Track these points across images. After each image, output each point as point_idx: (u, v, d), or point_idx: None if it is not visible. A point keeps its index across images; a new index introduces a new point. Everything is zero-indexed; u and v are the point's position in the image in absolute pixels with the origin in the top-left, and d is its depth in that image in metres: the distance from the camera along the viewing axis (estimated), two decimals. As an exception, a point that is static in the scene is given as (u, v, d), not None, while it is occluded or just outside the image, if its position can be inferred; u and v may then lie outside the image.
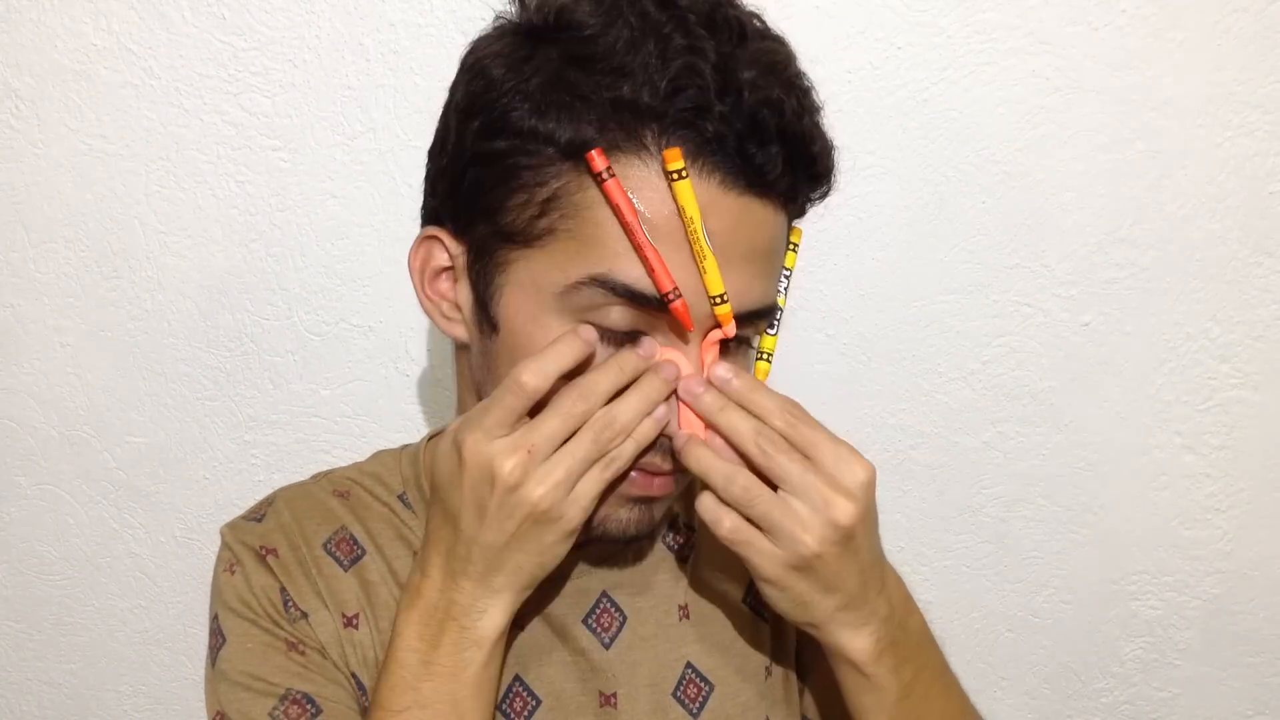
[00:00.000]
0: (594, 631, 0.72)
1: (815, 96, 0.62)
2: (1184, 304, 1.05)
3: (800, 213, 0.65)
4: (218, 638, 0.70)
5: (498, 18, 0.64)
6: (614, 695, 0.71)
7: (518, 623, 0.66)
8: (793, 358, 1.05)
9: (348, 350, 1.06)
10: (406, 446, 0.79)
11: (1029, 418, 1.09)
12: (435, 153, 0.66)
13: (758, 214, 0.60)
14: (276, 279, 1.04)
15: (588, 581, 0.72)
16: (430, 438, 0.78)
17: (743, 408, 0.60)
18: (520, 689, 0.70)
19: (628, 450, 0.59)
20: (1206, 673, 1.17)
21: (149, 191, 1.01)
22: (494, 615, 0.60)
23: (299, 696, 0.66)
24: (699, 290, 0.59)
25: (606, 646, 0.72)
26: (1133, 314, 1.06)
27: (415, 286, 0.67)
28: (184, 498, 1.10)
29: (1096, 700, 1.18)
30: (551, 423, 0.57)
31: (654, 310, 0.59)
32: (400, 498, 0.75)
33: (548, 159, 0.58)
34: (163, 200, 1.02)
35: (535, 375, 0.57)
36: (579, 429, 0.58)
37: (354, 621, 0.70)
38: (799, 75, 0.61)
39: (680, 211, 0.57)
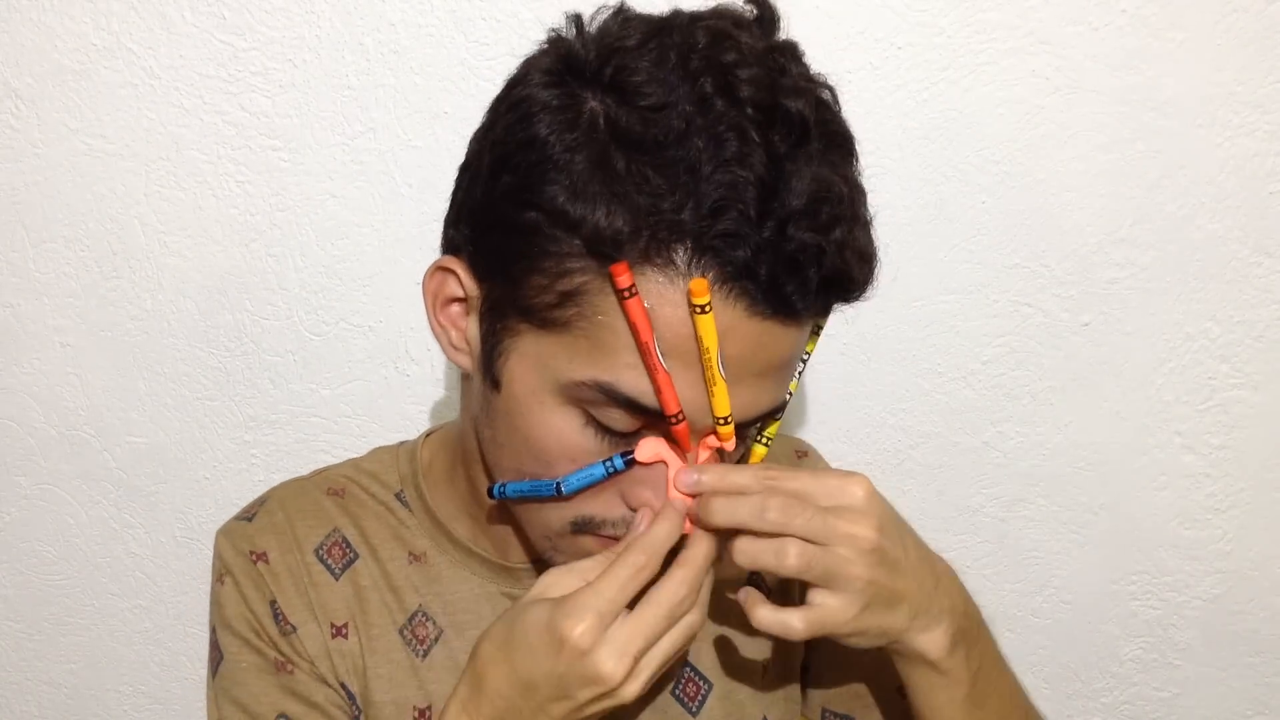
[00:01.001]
0: None
1: (865, 209, 0.59)
2: (1184, 304, 1.05)
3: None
4: (216, 652, 0.72)
5: (552, 32, 0.61)
6: None
7: None
8: (793, 358, 1.05)
9: (348, 350, 1.06)
10: (404, 443, 0.79)
11: (1029, 418, 1.09)
12: (465, 180, 0.64)
13: (778, 336, 0.58)
14: (276, 279, 1.04)
15: None
16: (428, 435, 0.78)
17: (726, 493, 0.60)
18: None
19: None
20: (1206, 673, 1.17)
21: (149, 191, 1.01)
22: None
23: None
24: (703, 407, 0.58)
25: None
26: (1133, 314, 1.05)
27: (426, 310, 0.66)
28: (184, 498, 1.10)
29: (1096, 700, 1.18)
30: (655, 624, 0.58)
31: (654, 420, 0.59)
32: (398, 496, 0.75)
33: (573, 250, 0.56)
34: (163, 200, 1.02)
35: (681, 592, 0.59)
36: (670, 625, 0.59)
37: (343, 631, 0.71)
38: (853, 191, 0.58)
39: (697, 340, 0.56)
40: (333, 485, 0.76)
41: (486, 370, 0.62)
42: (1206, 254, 1.04)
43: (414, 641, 0.72)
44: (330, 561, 0.73)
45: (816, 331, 0.64)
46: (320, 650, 0.71)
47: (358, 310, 1.04)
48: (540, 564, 0.71)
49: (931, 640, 0.62)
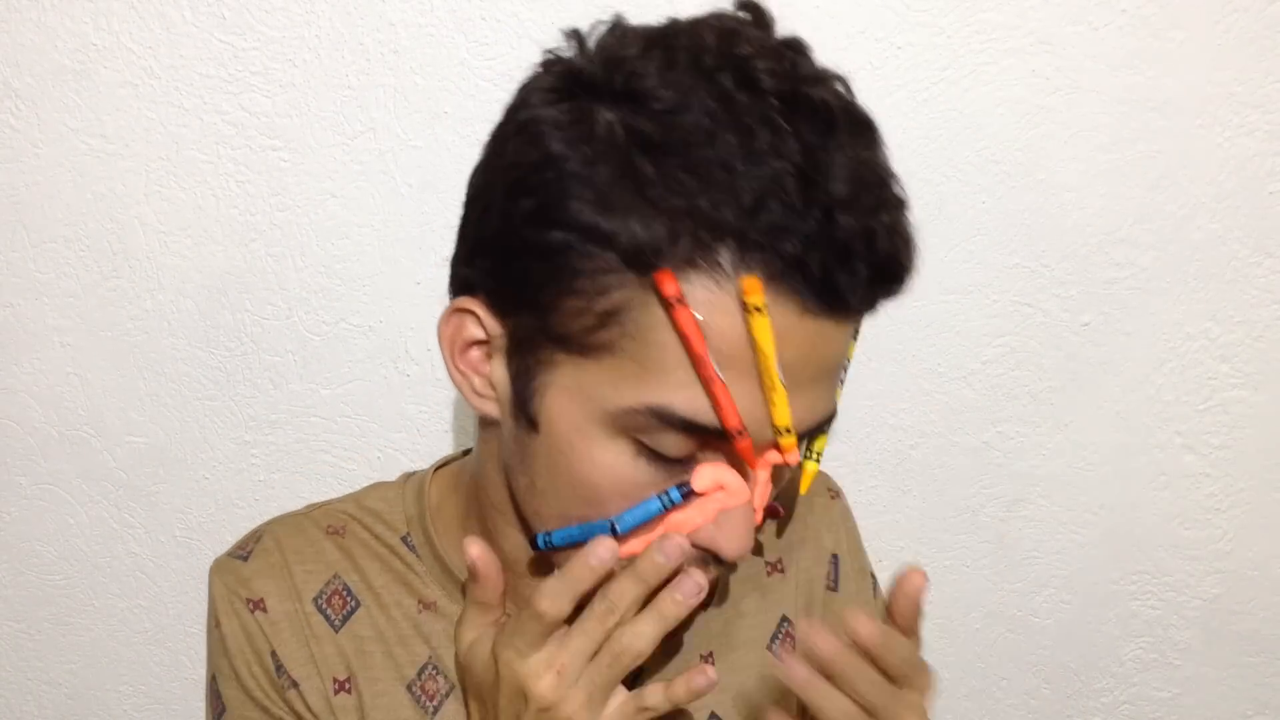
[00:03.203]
0: None
1: (902, 192, 0.56)
2: (1184, 304, 1.05)
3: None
4: (217, 703, 0.69)
5: (547, 54, 0.58)
6: None
7: None
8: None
9: (348, 350, 1.06)
10: (410, 477, 0.74)
11: (1029, 418, 1.09)
12: (474, 215, 0.59)
13: (831, 334, 0.55)
14: (276, 279, 1.04)
15: None
16: (437, 469, 0.74)
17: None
18: None
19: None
20: (1206, 673, 1.17)
21: (149, 191, 1.01)
22: None
23: None
24: (763, 419, 0.54)
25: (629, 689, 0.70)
26: (1133, 314, 1.06)
27: (444, 356, 0.61)
28: (184, 498, 1.10)
29: (1096, 700, 1.18)
30: (580, 643, 0.57)
31: (713, 439, 0.55)
32: (404, 540, 0.71)
33: (609, 265, 0.52)
34: (163, 200, 1.02)
35: (554, 604, 0.56)
36: (604, 644, 0.57)
37: (345, 686, 0.68)
38: (889, 175, 0.56)
39: (754, 345, 0.52)
40: (332, 523, 0.71)
41: (520, 412, 0.58)
42: (1206, 254, 1.04)
43: (423, 697, 0.68)
44: (330, 612, 0.69)
45: (854, 334, 0.62)
46: (322, 706, 0.67)
47: (358, 310, 1.04)
48: None
49: None
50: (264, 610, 0.68)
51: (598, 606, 0.56)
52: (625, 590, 0.56)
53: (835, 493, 0.81)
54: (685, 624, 0.71)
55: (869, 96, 1.02)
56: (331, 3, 0.96)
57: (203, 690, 0.73)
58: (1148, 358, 1.07)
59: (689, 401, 0.53)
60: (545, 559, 0.64)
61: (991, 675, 1.17)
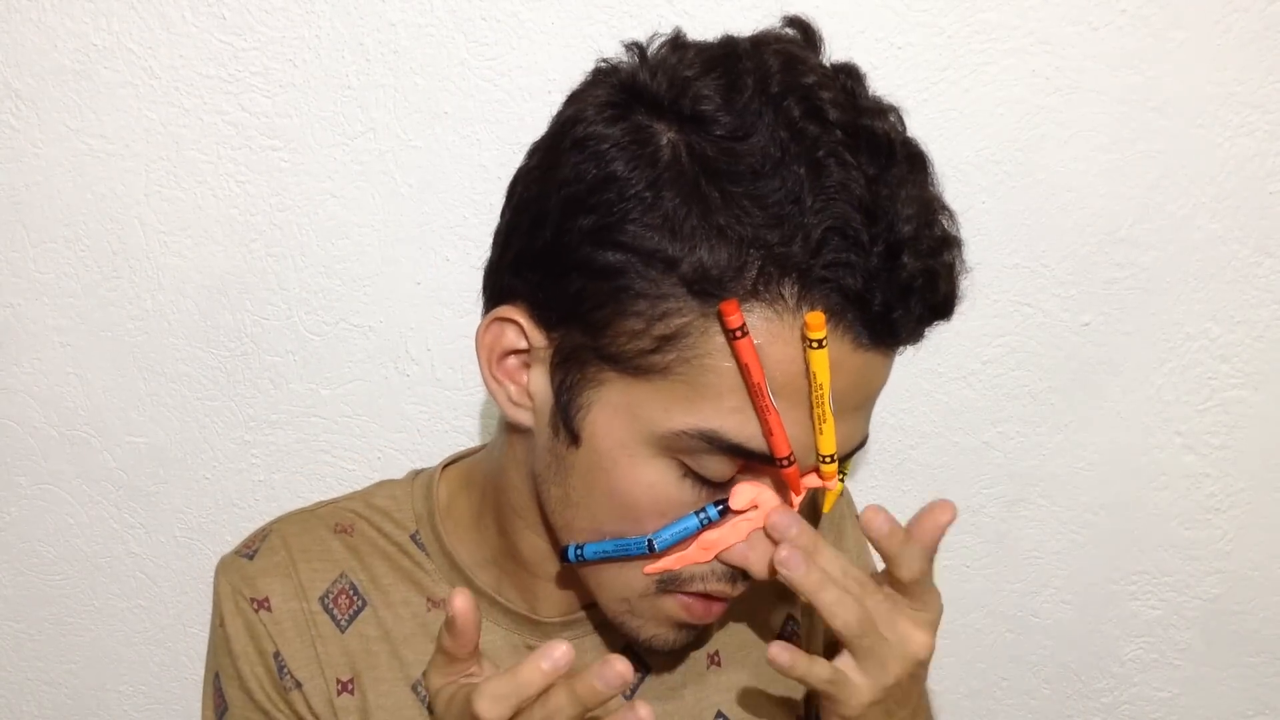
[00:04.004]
0: None
1: (956, 229, 0.57)
2: (1184, 304, 1.05)
3: None
4: (220, 700, 0.69)
5: (601, 62, 0.58)
6: None
7: None
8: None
9: (348, 350, 1.06)
10: (418, 475, 0.74)
11: (1029, 418, 1.09)
12: (522, 224, 0.58)
13: (877, 366, 0.56)
14: (276, 279, 1.04)
15: (611, 637, 0.69)
16: (445, 467, 0.74)
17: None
18: None
19: None
20: (1206, 673, 1.17)
21: (149, 191, 1.01)
22: None
23: None
24: (809, 446, 0.55)
25: (627, 698, 0.69)
26: (1133, 314, 1.06)
27: (480, 363, 0.60)
28: (184, 498, 1.10)
29: (1096, 700, 1.18)
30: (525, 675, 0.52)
31: (757, 463, 0.56)
32: (414, 538, 0.70)
33: (669, 290, 0.52)
34: (163, 200, 1.02)
35: (495, 707, 0.51)
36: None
37: (348, 686, 0.68)
38: (946, 212, 0.56)
39: (810, 376, 0.53)
40: (340, 521, 0.71)
41: (562, 425, 0.58)
42: (1206, 254, 1.04)
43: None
44: (336, 612, 0.69)
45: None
46: (324, 707, 0.67)
47: (358, 310, 1.04)
48: (575, 622, 0.69)
49: None
50: (268, 610, 0.68)
51: (536, 714, 0.52)
52: (562, 707, 0.52)
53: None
54: (701, 639, 0.71)
55: (869, 96, 1.02)
56: (331, 3, 0.96)
57: (202, 689, 0.73)
58: (1148, 358, 1.07)
59: (740, 427, 0.54)
60: (570, 567, 0.63)
61: (991, 675, 1.17)
